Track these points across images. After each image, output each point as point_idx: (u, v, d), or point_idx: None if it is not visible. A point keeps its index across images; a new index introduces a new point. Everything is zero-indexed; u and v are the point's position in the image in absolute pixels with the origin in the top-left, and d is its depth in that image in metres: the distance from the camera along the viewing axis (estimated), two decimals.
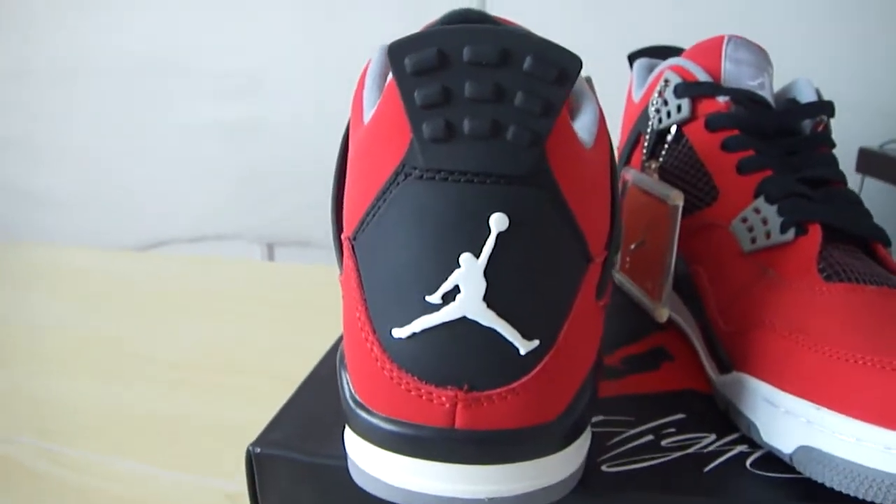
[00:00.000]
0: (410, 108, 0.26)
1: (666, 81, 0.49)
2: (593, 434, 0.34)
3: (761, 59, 0.48)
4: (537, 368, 0.28)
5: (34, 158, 1.12)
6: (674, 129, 0.49)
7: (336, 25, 0.96)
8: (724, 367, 0.41)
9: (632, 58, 0.59)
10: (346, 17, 0.95)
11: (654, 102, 0.49)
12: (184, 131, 1.06)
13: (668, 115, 0.49)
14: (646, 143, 0.51)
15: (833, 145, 0.46)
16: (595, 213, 0.31)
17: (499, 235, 0.27)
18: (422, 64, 0.26)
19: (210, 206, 1.10)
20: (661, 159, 0.49)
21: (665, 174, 0.49)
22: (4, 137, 1.14)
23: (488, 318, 0.27)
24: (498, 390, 0.27)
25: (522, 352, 0.27)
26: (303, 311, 0.65)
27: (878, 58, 1.04)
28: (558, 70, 0.26)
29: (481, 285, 0.27)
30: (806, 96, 0.47)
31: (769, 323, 0.39)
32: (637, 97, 0.54)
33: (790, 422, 0.35)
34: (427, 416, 0.28)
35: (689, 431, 0.39)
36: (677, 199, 0.43)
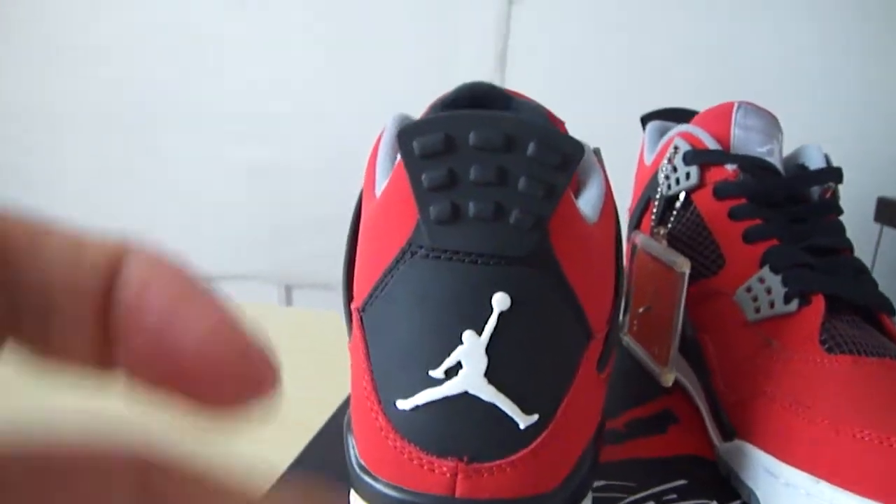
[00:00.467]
0: (417, 189, 0.27)
1: (675, 148, 0.49)
2: (594, 499, 0.35)
3: (771, 125, 0.49)
4: (536, 442, 0.28)
5: (42, 199, 1.13)
6: (682, 195, 0.49)
7: (357, 68, 0.97)
8: (727, 435, 0.42)
9: (644, 120, 0.60)
10: (368, 59, 0.96)
11: (664, 169, 0.50)
12: (202, 171, 1.07)
13: (678, 181, 0.49)
14: (655, 209, 0.51)
15: (841, 212, 0.47)
16: (598, 289, 0.32)
17: (501, 314, 0.27)
18: (429, 148, 0.27)
19: (228, 246, 1.11)
20: (669, 226, 0.50)
21: (673, 241, 0.50)
22: (18, 176, 1.15)
23: (489, 394, 0.28)
24: (497, 462, 0.28)
25: (522, 426, 0.28)
26: (319, 359, 0.65)
27: None
28: (561, 156, 0.27)
29: (483, 362, 0.27)
30: (815, 162, 0.48)
31: (771, 394, 0.39)
32: (648, 160, 0.55)
33: (790, 493, 0.36)
34: (429, 484, 0.28)
35: (690, 498, 0.40)
36: (684, 266, 0.44)
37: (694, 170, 0.48)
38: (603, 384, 0.34)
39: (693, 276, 0.45)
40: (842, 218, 0.47)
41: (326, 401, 0.50)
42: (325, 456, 0.42)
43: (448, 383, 0.28)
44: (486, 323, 0.27)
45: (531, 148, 0.27)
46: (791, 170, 0.48)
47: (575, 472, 0.31)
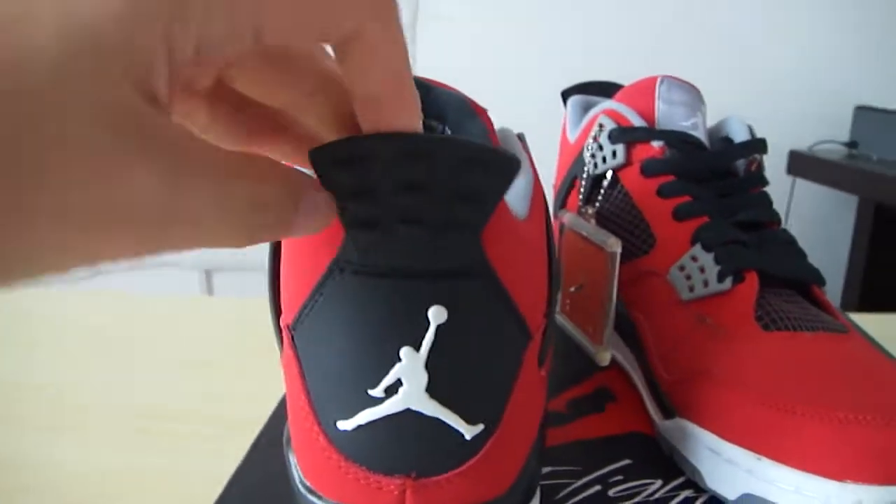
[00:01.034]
0: (341, 208, 0.26)
1: (601, 126, 0.49)
2: (541, 487, 0.34)
3: (694, 98, 0.49)
4: (483, 450, 0.28)
5: None
6: (609, 174, 0.49)
7: None
8: (667, 413, 0.42)
9: (565, 95, 0.59)
10: None
11: (590, 147, 0.50)
12: None
13: (604, 160, 0.49)
14: (581, 188, 0.51)
15: (766, 183, 0.47)
16: (532, 288, 0.31)
17: (438, 328, 0.27)
18: (346, 177, 0.25)
19: None
20: (597, 205, 0.50)
21: (602, 220, 0.50)
22: None
23: (432, 409, 0.27)
24: (446, 475, 0.27)
25: (468, 437, 0.27)
26: (244, 351, 0.64)
27: (806, 62, 1.06)
28: (494, 171, 0.26)
29: (423, 377, 0.27)
30: (739, 135, 0.48)
31: (709, 373, 0.39)
32: (572, 137, 0.55)
33: (732, 470, 0.36)
34: (377, 502, 0.28)
35: (635, 478, 0.40)
36: (615, 246, 0.44)
37: (620, 148, 0.48)
38: (544, 378, 0.34)
39: (624, 256, 0.45)
40: None
41: (257, 395, 0.49)
42: (260, 472, 0.41)
43: (389, 401, 0.27)
44: (423, 338, 0.27)
45: (459, 167, 0.26)
46: (716, 143, 0.48)
47: (524, 471, 0.31)
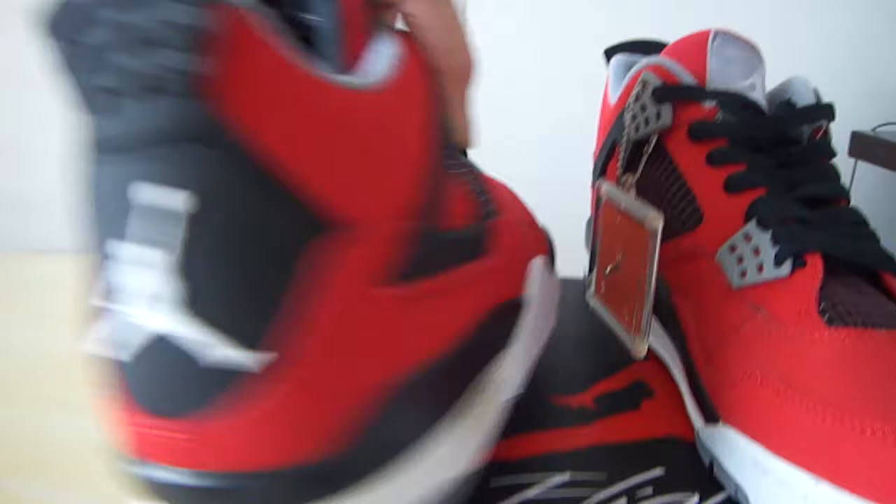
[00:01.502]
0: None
1: (643, 84, 0.44)
2: (561, 499, 0.31)
3: (752, 56, 0.43)
4: (285, 389, 0.21)
5: (11, 161, 1.09)
6: (653, 139, 0.44)
7: None
8: (709, 416, 0.37)
9: (609, 53, 0.54)
10: None
11: (631, 108, 0.45)
12: None
13: (647, 122, 0.43)
14: (621, 154, 0.46)
15: (834, 154, 0.42)
16: (356, 166, 0.24)
17: (188, 221, 0.20)
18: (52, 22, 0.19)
19: None
20: (637, 173, 0.45)
21: (642, 191, 0.45)
22: None
23: (188, 330, 0.21)
24: (233, 422, 0.21)
25: (255, 369, 0.21)
26: None
27: (870, 41, 1.01)
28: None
29: (174, 287, 0.20)
30: (803, 98, 0.43)
31: (761, 375, 0.34)
32: (613, 99, 0.50)
33: (784, 494, 0.31)
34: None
35: (668, 491, 0.35)
36: (655, 221, 0.38)
37: (666, 108, 0.42)
38: (403, 297, 0.26)
39: (666, 233, 0.39)
40: None
41: None
42: None
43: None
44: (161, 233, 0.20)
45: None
46: (776, 108, 0.43)
47: (372, 429, 0.24)
